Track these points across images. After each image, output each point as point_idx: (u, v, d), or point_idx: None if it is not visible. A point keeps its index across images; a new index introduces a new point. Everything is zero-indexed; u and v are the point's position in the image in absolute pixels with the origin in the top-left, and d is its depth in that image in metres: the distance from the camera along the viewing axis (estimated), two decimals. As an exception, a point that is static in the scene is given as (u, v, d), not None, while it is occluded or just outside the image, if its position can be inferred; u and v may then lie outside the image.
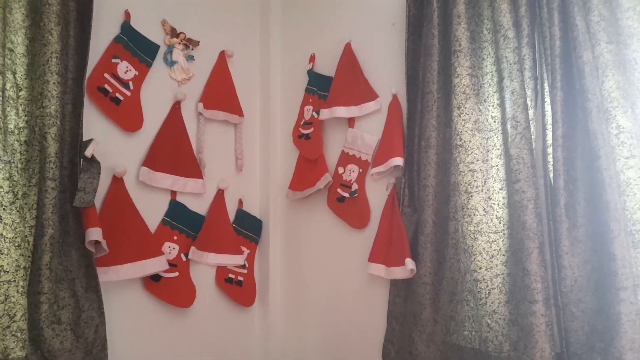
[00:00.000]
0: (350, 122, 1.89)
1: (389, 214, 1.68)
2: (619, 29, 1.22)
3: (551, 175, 1.32)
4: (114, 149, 1.68)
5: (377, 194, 1.78)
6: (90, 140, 1.52)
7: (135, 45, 1.75)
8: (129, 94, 1.73)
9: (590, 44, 1.23)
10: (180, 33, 1.92)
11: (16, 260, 1.29)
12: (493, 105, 1.43)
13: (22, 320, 1.28)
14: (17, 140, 1.36)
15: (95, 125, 1.64)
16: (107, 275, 1.56)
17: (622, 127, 1.20)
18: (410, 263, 1.51)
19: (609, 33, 1.22)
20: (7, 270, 1.27)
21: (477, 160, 1.42)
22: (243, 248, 2.04)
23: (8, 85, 1.36)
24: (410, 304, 1.56)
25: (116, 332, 1.62)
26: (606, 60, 1.21)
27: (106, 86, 1.67)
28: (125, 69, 1.72)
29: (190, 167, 1.88)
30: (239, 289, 2.01)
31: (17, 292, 1.28)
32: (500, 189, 1.38)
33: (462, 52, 1.45)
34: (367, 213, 1.81)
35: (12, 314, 1.27)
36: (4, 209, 1.29)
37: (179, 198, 1.85)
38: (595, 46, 1.23)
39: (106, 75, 1.67)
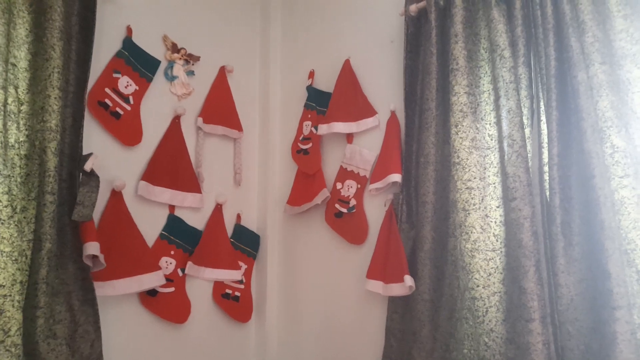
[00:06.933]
0: (349, 137, 1.90)
1: (386, 230, 1.68)
2: (613, 50, 1.23)
3: (547, 193, 1.32)
4: (113, 163, 1.69)
5: (375, 210, 1.79)
6: (89, 154, 1.52)
7: (136, 60, 1.77)
8: (129, 108, 1.74)
9: (585, 64, 1.25)
10: (181, 48, 1.94)
11: (13, 274, 1.28)
12: (490, 124, 1.44)
13: (17, 335, 1.27)
14: (17, 155, 1.37)
15: (95, 139, 1.65)
16: (103, 289, 1.56)
17: (616, 147, 1.21)
18: (409, 280, 1.51)
19: (603, 54, 1.23)
20: (3, 284, 1.27)
21: (475, 178, 1.42)
22: (240, 263, 2.03)
23: (10, 100, 1.37)
24: (409, 320, 1.55)
25: (112, 347, 1.61)
26: (600, 81, 1.23)
27: (107, 100, 1.68)
28: (126, 84, 1.74)
29: (189, 181, 1.89)
30: (235, 304, 2.00)
31: (13, 306, 1.27)
32: (497, 207, 1.39)
33: (460, 71, 1.47)
34: (365, 229, 1.81)
35: (7, 329, 1.26)
36: (2, 223, 1.29)
37: (177, 212, 1.86)
38: (589, 66, 1.24)
39: (107, 90, 1.69)
